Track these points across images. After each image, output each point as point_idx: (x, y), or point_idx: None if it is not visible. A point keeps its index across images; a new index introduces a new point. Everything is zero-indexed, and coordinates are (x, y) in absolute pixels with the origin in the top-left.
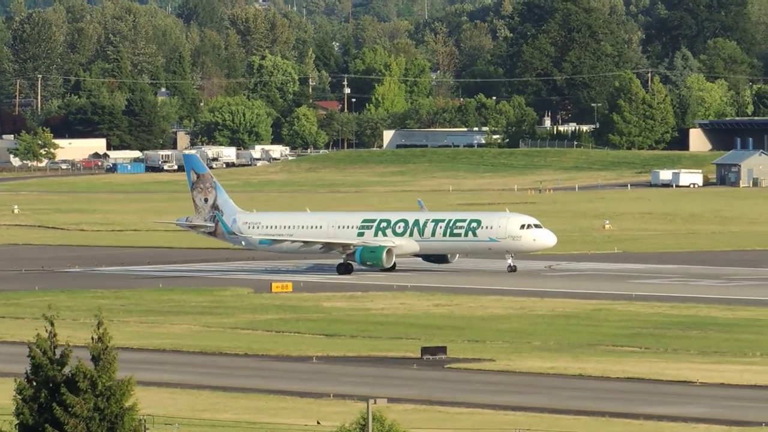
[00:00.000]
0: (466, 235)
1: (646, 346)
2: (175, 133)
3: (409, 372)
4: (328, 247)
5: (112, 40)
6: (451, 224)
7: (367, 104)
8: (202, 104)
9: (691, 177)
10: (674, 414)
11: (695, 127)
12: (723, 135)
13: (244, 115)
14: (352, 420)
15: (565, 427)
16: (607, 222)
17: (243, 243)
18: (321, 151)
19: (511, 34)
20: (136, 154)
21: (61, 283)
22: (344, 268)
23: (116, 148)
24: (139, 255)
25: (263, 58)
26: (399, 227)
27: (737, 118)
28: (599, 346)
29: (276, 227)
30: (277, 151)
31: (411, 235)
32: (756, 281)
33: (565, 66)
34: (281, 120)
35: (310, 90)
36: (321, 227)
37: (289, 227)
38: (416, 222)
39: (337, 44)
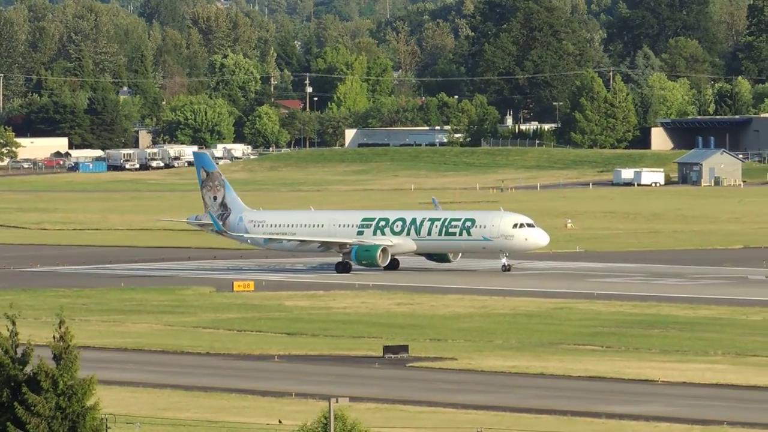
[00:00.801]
0: (460, 234)
1: (608, 344)
2: (137, 132)
3: (371, 371)
4: (326, 246)
5: (74, 39)
6: (446, 223)
7: (329, 103)
8: (164, 103)
9: (653, 176)
10: (636, 413)
11: (657, 126)
12: (685, 134)
13: (205, 114)
14: (314, 419)
15: (526, 425)
16: (569, 221)
17: (249, 241)
18: (283, 149)
19: (473, 33)
20: (98, 153)
21: (23, 282)
22: (342, 267)
23: (78, 146)
24: (101, 254)
25: (225, 57)
26: (397, 226)
27: (699, 117)
28: (561, 345)
29: (279, 225)
30: (239, 149)
31: (408, 234)
32: (717, 280)
33: (527, 65)
34: (243, 119)
35: (272, 89)
36: (322, 226)
37: (292, 225)
38: (413, 221)
39: (299, 43)
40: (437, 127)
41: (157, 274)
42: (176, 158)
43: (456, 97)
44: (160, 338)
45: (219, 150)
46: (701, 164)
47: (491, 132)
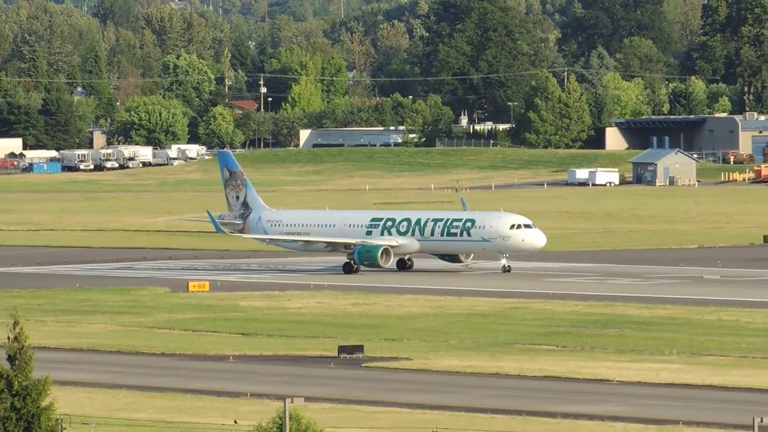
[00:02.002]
0: (461, 234)
1: (563, 344)
2: (92, 132)
3: (326, 371)
4: (332, 246)
5: (28, 40)
6: (448, 224)
7: (283, 103)
8: (118, 104)
9: (608, 176)
10: (591, 412)
11: (611, 126)
12: (639, 134)
13: (160, 114)
14: (269, 419)
15: (482, 425)
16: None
17: (266, 241)
18: (237, 150)
19: (427, 34)
20: (53, 153)
21: None
22: (349, 268)
23: (32, 147)
24: (55, 255)
25: (179, 57)
26: (402, 226)
27: (653, 117)
28: (516, 345)
29: (295, 225)
30: (194, 150)
31: (413, 234)
32: (672, 280)
33: (482, 65)
34: (197, 119)
35: (227, 89)
36: (334, 226)
37: (306, 225)
38: (418, 221)
39: (254, 44)
40: (392, 128)
41: (112, 275)
42: (131, 159)
43: (410, 97)
44: (115, 339)
45: (173, 151)
46: (656, 164)
47: (446, 132)
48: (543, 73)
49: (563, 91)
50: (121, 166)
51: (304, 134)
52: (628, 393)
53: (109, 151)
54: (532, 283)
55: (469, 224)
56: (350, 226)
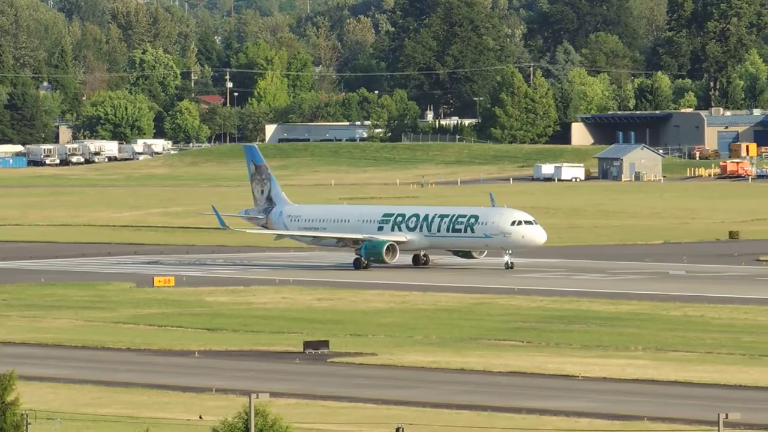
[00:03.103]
0: (465, 231)
1: (529, 340)
2: (58, 127)
3: (292, 366)
4: (343, 242)
5: None
6: (453, 220)
7: (249, 98)
8: (84, 98)
9: (573, 171)
10: (557, 408)
11: (577, 121)
12: (605, 129)
13: (126, 109)
14: (234, 414)
15: (447, 421)
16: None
17: (276, 237)
18: (203, 145)
19: (393, 28)
20: (18, 148)
21: None
22: (357, 263)
23: None
24: (21, 249)
25: (145, 52)
26: (411, 222)
27: (619, 112)
28: (481, 340)
29: (312, 220)
30: (160, 145)
31: (421, 230)
32: (638, 275)
33: (447, 60)
34: (163, 114)
35: (192, 84)
36: (348, 221)
37: (323, 220)
38: (425, 217)
39: (220, 38)
40: (358, 123)
41: (78, 270)
42: (97, 153)
43: (376, 92)
44: (81, 334)
45: (139, 145)
46: (621, 159)
47: (411, 127)
48: (509, 69)
49: (529, 87)
50: (87, 161)
51: (270, 129)
52: (593, 389)
53: (75, 145)
54: (498, 279)
55: (472, 220)
56: (364, 221)
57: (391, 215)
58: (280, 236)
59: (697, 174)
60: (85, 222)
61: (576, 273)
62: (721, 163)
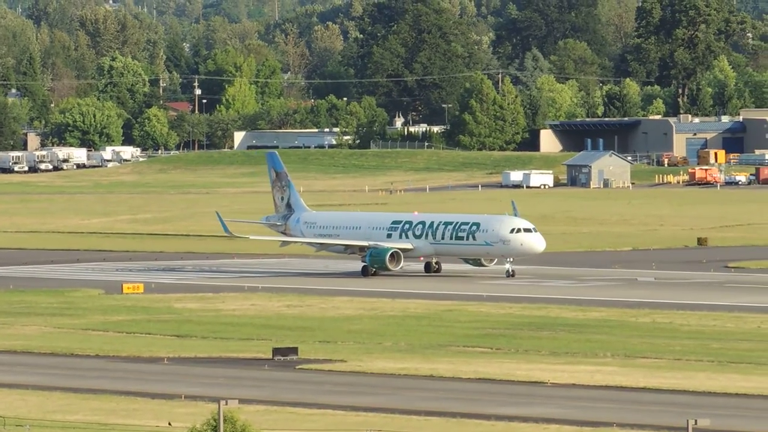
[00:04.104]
0: (467, 238)
1: (498, 346)
2: (26, 134)
3: (261, 373)
4: (350, 249)
5: None
6: (456, 227)
7: (217, 105)
8: (52, 105)
9: (542, 178)
10: (525, 414)
11: (546, 128)
12: (573, 136)
13: (94, 116)
14: (203, 421)
15: (416, 427)
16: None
17: (281, 243)
18: (172, 152)
19: (362, 35)
20: None
21: None
22: (365, 271)
23: None
24: None
25: (113, 59)
26: (418, 229)
27: (587, 119)
28: (450, 347)
29: (327, 227)
30: (128, 152)
31: (426, 237)
32: (606, 282)
33: (416, 67)
34: (132, 121)
35: (161, 91)
36: (360, 228)
37: (337, 227)
38: (431, 224)
39: (188, 45)
40: (326, 130)
41: (47, 277)
42: (65, 161)
43: (345, 99)
44: (50, 341)
45: (108, 152)
46: (590, 166)
47: (380, 134)
48: (477, 75)
49: (498, 93)
50: (56, 168)
51: (239, 136)
52: (562, 395)
53: (44, 152)
54: (467, 286)
55: (474, 228)
56: (374, 228)
57: (399, 222)
58: (285, 243)
59: (665, 181)
60: (53, 229)
61: (545, 280)
62: (689, 170)
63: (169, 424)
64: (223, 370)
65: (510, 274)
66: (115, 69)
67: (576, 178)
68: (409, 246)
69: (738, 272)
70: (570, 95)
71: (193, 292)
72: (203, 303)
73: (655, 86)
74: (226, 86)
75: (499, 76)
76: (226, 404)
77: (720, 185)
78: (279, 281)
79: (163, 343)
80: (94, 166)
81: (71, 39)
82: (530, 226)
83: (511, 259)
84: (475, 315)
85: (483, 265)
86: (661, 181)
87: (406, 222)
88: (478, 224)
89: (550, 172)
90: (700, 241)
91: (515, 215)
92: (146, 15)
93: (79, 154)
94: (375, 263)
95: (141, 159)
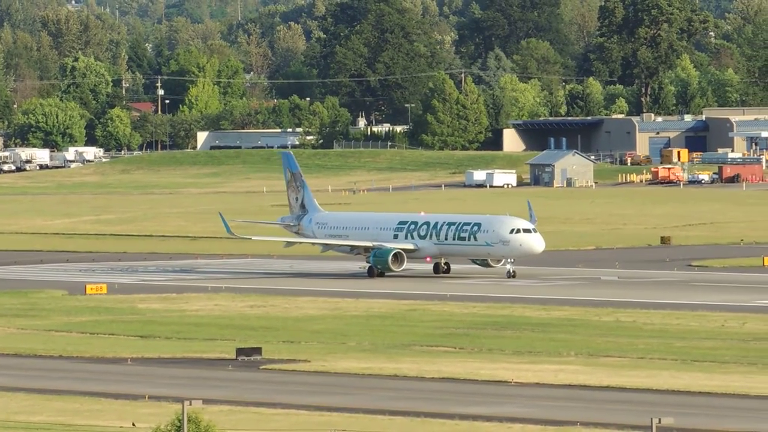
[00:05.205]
0: (469, 239)
1: (461, 346)
2: None
3: (224, 373)
4: (356, 250)
5: None
6: (459, 227)
7: (180, 106)
8: (15, 106)
9: (505, 177)
10: (489, 414)
11: (509, 128)
12: (536, 135)
13: (57, 117)
14: (167, 421)
15: (380, 427)
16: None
17: (285, 244)
18: (135, 152)
19: (324, 35)
20: None
21: None
22: (371, 272)
23: None
24: None
25: (76, 59)
26: (422, 229)
27: (550, 119)
28: (414, 347)
29: (337, 227)
30: (91, 152)
31: (431, 237)
32: (570, 281)
33: (379, 67)
34: (95, 122)
35: (124, 91)
36: (368, 228)
37: (346, 227)
38: (435, 225)
39: (151, 45)
40: (289, 130)
41: (9, 278)
42: (28, 161)
43: (308, 99)
44: (13, 342)
45: (71, 153)
46: (553, 165)
47: (343, 134)
48: (440, 75)
49: (460, 93)
50: (18, 169)
51: (202, 136)
52: (526, 394)
53: (6, 153)
54: (430, 285)
55: (475, 228)
56: (381, 228)
57: (405, 223)
58: (290, 243)
59: (628, 180)
60: (16, 230)
61: (508, 279)
62: (652, 169)
63: (133, 424)
64: (187, 371)
65: (511, 275)
66: (78, 69)
67: (539, 177)
68: (411, 246)
69: (701, 271)
70: (533, 94)
71: (157, 292)
72: (167, 303)
73: (618, 85)
74: (189, 86)
75: (462, 75)
76: (190, 404)
77: (683, 184)
78: (244, 282)
79: (126, 344)
80: (57, 167)
81: (34, 40)
82: (530, 226)
83: (512, 260)
84: (438, 314)
85: (490, 266)
86: (624, 180)
87: (412, 222)
88: (479, 225)
89: (514, 171)
90: (664, 240)
91: (531, 215)
92: (109, 15)
93: (42, 155)
94: (378, 264)
95: (104, 160)
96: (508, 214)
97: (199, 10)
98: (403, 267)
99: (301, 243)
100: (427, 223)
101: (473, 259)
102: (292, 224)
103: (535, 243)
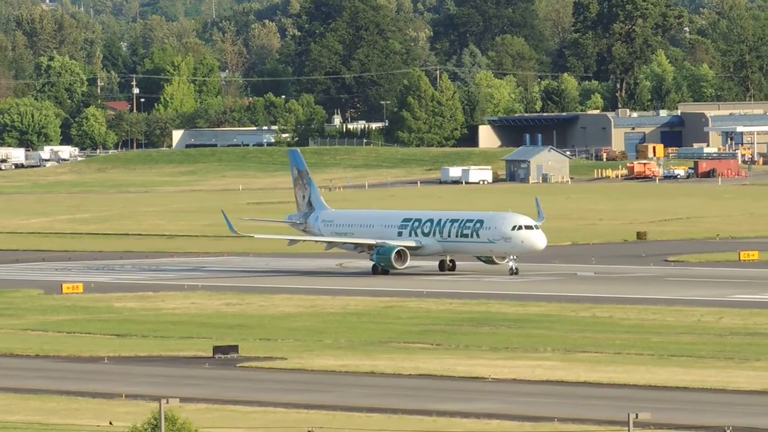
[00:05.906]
0: (472, 236)
1: (438, 342)
2: None
3: (201, 371)
4: (360, 248)
5: None
6: (462, 224)
7: (156, 104)
8: None
9: (481, 173)
10: (466, 410)
11: (484, 124)
12: (512, 131)
13: (32, 116)
14: (144, 420)
15: (357, 424)
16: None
17: (289, 242)
18: (110, 151)
19: (299, 33)
20: None
21: None
22: (375, 269)
23: None
24: None
25: (51, 58)
26: (426, 227)
27: (526, 115)
28: (391, 344)
29: (343, 225)
30: (67, 151)
31: (434, 235)
32: (546, 277)
33: (354, 64)
34: (70, 121)
35: (99, 90)
36: (373, 226)
37: (351, 225)
38: (438, 222)
39: (126, 44)
40: (264, 128)
41: None
42: (3, 161)
43: (283, 97)
44: None
45: (46, 152)
46: (529, 161)
47: (319, 131)
48: (415, 72)
49: (436, 90)
50: None
51: (177, 135)
52: (503, 390)
53: None
54: (407, 282)
55: (478, 225)
56: (386, 226)
57: (409, 220)
58: (293, 241)
59: (604, 175)
60: None
61: (484, 275)
62: (628, 165)
63: (110, 423)
64: (164, 369)
65: (513, 272)
66: (53, 69)
67: (515, 173)
68: (414, 244)
69: (677, 266)
70: (508, 91)
71: (133, 291)
72: (143, 302)
73: (593, 81)
74: (164, 85)
75: (437, 72)
76: (167, 403)
77: (659, 179)
78: (220, 280)
79: (103, 343)
80: (33, 166)
81: (8, 39)
82: (532, 223)
83: (515, 257)
84: (415, 311)
85: (494, 263)
86: (599, 176)
87: (416, 220)
88: (481, 221)
89: (489, 167)
90: (640, 235)
91: (539, 213)
92: (83, 14)
93: (17, 154)
94: (381, 261)
95: (79, 158)
96: (510, 211)
97: (174, 9)
98: (407, 264)
99: (304, 241)
100: (431, 220)
101: (478, 256)
102: (299, 222)
103: (537, 239)
